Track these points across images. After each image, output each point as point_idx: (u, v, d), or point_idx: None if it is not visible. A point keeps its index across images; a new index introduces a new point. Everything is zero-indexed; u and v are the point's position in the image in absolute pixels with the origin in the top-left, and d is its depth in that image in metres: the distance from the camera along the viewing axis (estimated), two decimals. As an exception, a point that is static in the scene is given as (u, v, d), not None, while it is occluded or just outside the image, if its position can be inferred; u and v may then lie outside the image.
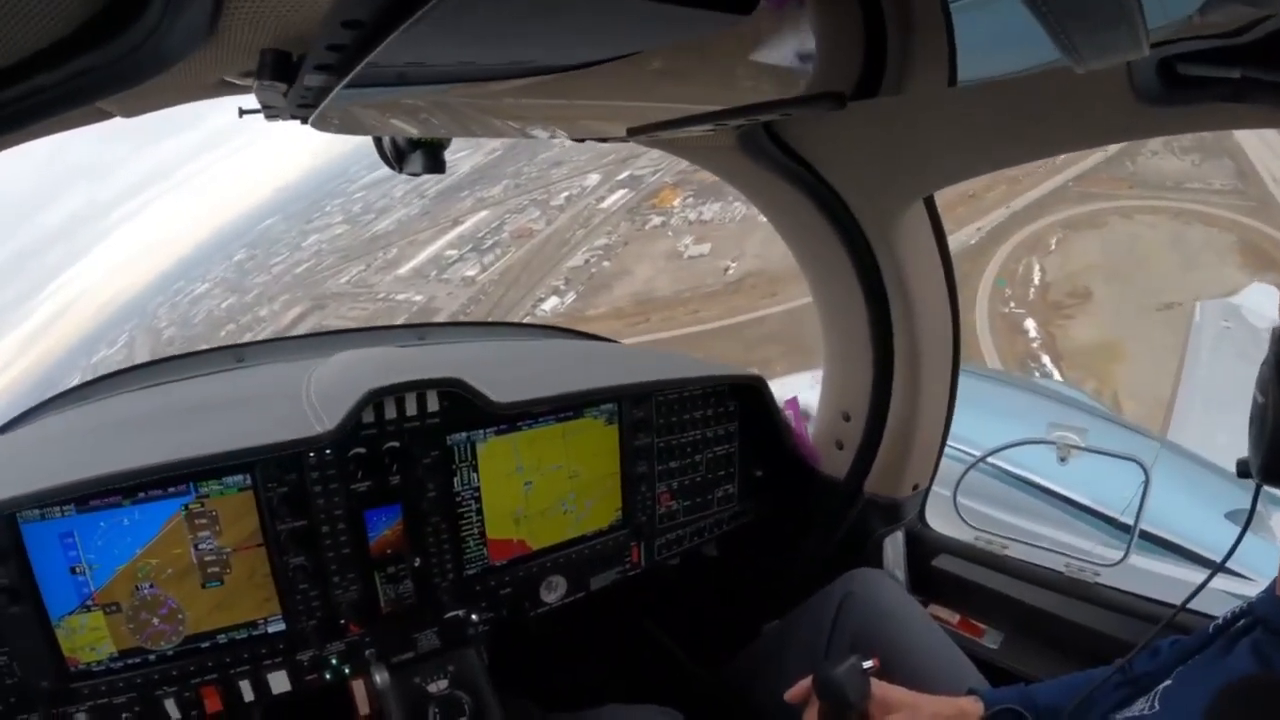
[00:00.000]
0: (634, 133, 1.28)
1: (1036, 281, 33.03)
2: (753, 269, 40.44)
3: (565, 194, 69.60)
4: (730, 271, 42.92)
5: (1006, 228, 36.48)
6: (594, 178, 71.53)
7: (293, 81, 0.90)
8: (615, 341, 3.11)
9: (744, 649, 2.31)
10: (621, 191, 64.50)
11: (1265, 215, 34.35)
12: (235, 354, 2.67)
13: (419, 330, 2.96)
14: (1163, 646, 1.50)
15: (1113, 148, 40.52)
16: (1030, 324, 29.56)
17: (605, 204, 63.20)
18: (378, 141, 1.58)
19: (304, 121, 1.18)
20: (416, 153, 1.54)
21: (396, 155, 1.56)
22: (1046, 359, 27.27)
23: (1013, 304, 31.32)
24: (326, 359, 2.17)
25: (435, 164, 1.56)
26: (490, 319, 31.39)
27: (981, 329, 28.64)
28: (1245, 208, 35.52)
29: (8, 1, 0.58)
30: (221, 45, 0.83)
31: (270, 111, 1.15)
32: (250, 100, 1.19)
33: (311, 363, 2.20)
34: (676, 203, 56.04)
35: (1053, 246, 35.65)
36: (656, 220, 53.88)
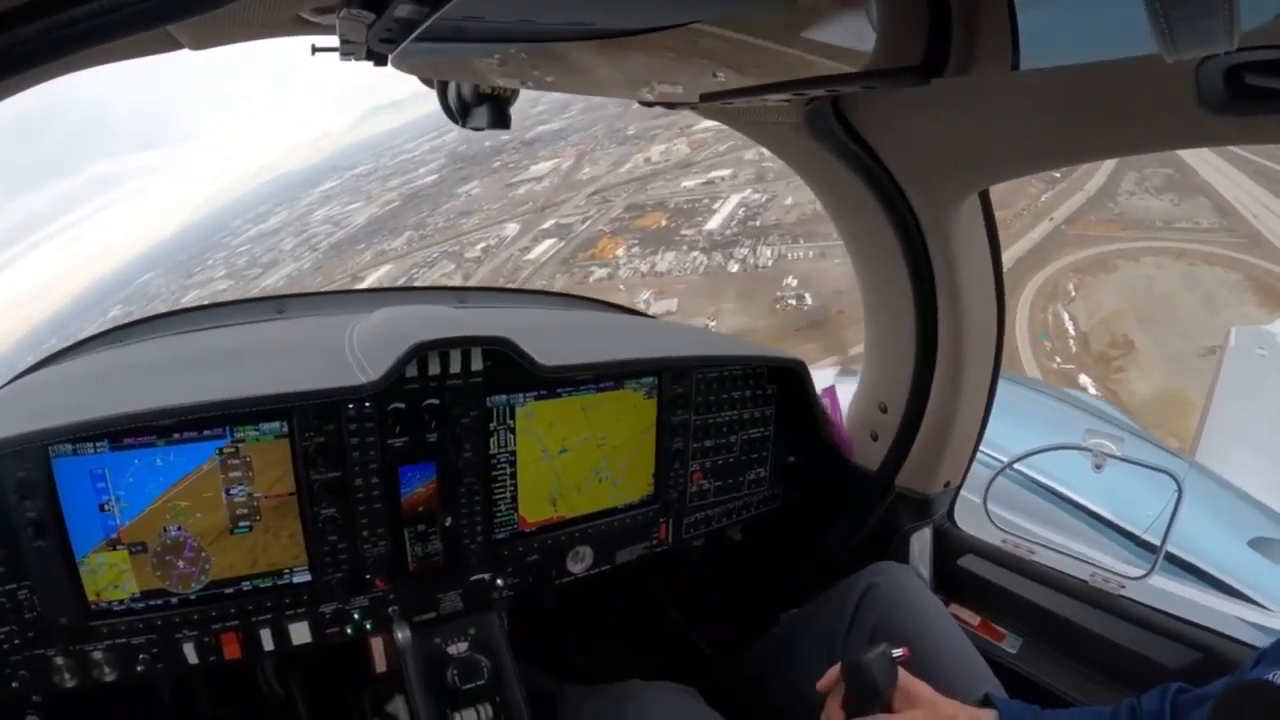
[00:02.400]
0: (706, 99, 1.27)
1: (1073, 332, 32.92)
2: (739, 327, 39.03)
3: (481, 245, 67.71)
4: (709, 333, 42.78)
5: (1018, 274, 36.36)
6: (512, 227, 69.64)
7: (381, 11, 0.88)
8: (654, 317, 3.12)
9: (763, 635, 2.31)
10: (549, 241, 62.44)
11: (1261, 251, 34.80)
12: (276, 305, 2.68)
13: (459, 293, 2.97)
14: (1170, 689, 1.47)
15: (1093, 188, 40.60)
16: (1086, 380, 29.14)
17: (533, 255, 61.19)
18: (442, 93, 1.56)
19: (378, 63, 1.17)
20: (483, 106, 1.52)
21: (461, 109, 1.55)
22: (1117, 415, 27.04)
23: (1059, 359, 31.09)
24: (368, 314, 2.17)
25: (501, 118, 1.54)
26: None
27: (1040, 390, 28.37)
28: (1238, 244, 36.01)
29: None
30: None
31: (347, 48, 1.13)
32: (324, 39, 1.19)
33: (353, 317, 2.20)
34: (620, 253, 54.19)
35: (1073, 293, 35.62)
36: (601, 273, 51.63)
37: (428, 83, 1.57)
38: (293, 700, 2.45)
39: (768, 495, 2.56)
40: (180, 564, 1.74)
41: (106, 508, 1.65)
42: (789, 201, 52.39)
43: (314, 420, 1.79)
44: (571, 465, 2.16)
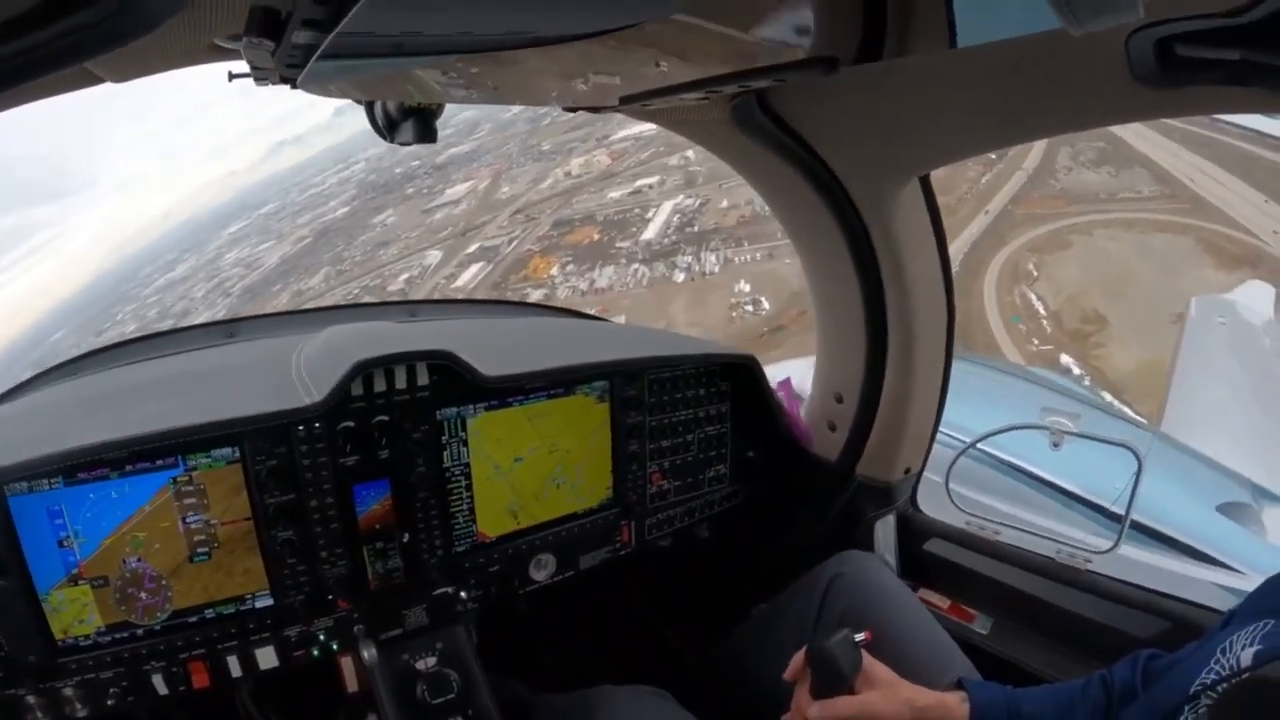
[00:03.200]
0: (626, 101, 1.27)
1: (1043, 312, 33.20)
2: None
3: (404, 276, 66.30)
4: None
5: (979, 258, 36.75)
6: (434, 254, 68.28)
7: (280, 39, 0.89)
8: (607, 320, 3.12)
9: (733, 630, 2.31)
10: (476, 266, 61.21)
11: (1205, 214, 35.33)
12: (226, 329, 2.65)
13: (410, 307, 2.96)
14: (1140, 657, 1.49)
15: (1030, 166, 41.63)
16: (1068, 360, 29.25)
17: (460, 281, 59.55)
18: (369, 109, 1.57)
19: (294, 85, 1.16)
20: (408, 121, 1.53)
21: (388, 124, 1.55)
22: (1108, 395, 25.90)
23: (1036, 340, 31.27)
24: (317, 333, 2.16)
25: (427, 133, 1.55)
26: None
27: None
28: (1183, 210, 36.56)
29: None
30: (212, 3, 0.83)
31: (260, 74, 1.15)
32: (240, 65, 1.20)
33: (302, 337, 2.19)
34: (555, 271, 53.25)
35: (1034, 273, 35.96)
36: (537, 294, 50.13)
37: (358, 100, 1.56)
38: None
39: (729, 492, 2.56)
40: (143, 595, 1.74)
41: (66, 543, 1.64)
42: (724, 204, 52.01)
43: (265, 444, 1.79)
44: (527, 474, 2.15)
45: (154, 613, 1.75)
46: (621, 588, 2.84)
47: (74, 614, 1.68)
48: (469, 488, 2.07)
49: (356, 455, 1.88)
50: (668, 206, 57.22)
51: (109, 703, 1.72)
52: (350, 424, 1.86)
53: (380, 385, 1.89)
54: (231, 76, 1.28)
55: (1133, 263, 34.15)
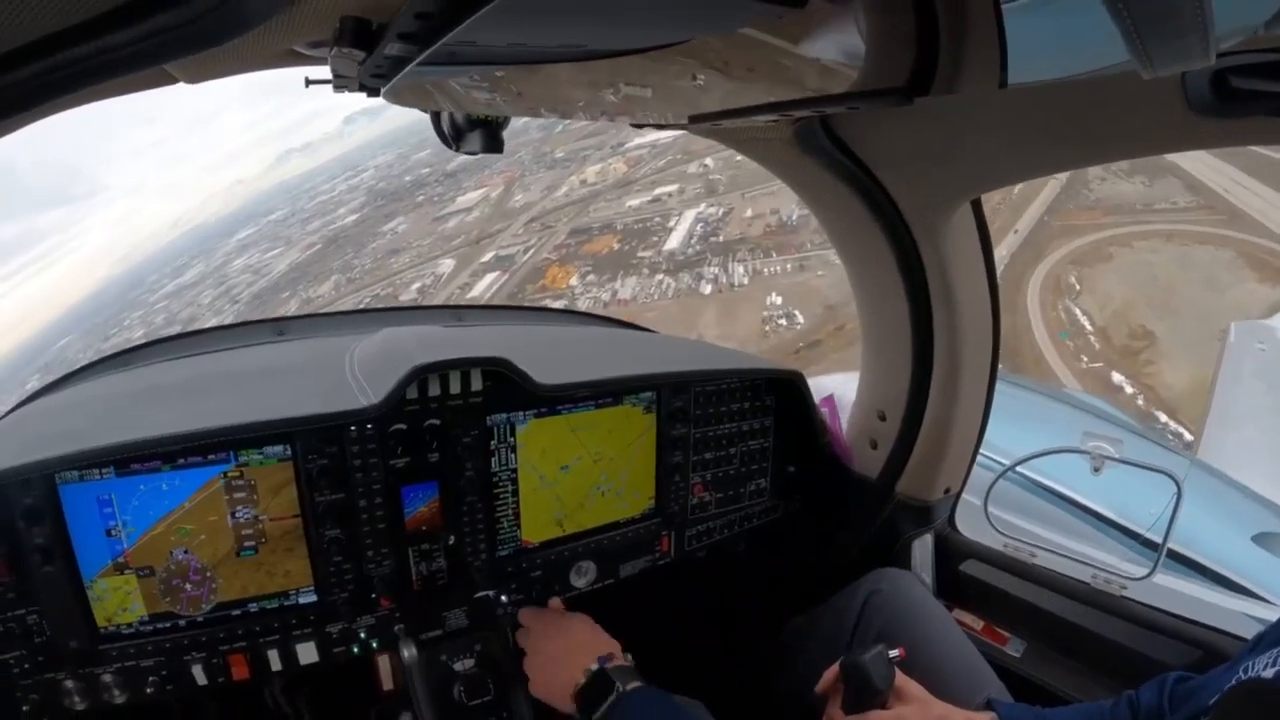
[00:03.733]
0: (696, 120, 1.29)
1: (1089, 327, 32.86)
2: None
3: (416, 285, 65.67)
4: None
5: (1017, 272, 36.29)
6: (447, 263, 67.50)
7: (372, 50, 0.91)
8: (653, 331, 3.12)
9: (767, 643, 2.32)
10: (492, 275, 60.52)
11: (1243, 225, 34.92)
12: (276, 327, 2.69)
13: (457, 311, 2.98)
14: (1168, 679, 1.50)
15: (1063, 177, 41.67)
16: (1120, 378, 28.95)
17: (476, 291, 58.83)
18: (435, 119, 1.59)
19: (372, 93, 1.18)
20: (475, 131, 1.55)
21: (454, 134, 1.57)
22: (1163, 415, 25.84)
23: (1085, 358, 30.89)
24: (369, 335, 2.19)
25: (494, 143, 1.57)
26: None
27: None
28: (1220, 221, 36.15)
29: None
30: (300, 10, 0.83)
31: (340, 82, 1.16)
32: (316, 71, 1.21)
33: (353, 338, 2.22)
34: (574, 281, 52.45)
35: (1077, 287, 35.56)
36: (556, 305, 50.74)
37: (426, 110, 1.58)
38: (301, 719, 2.47)
39: (769, 505, 2.57)
40: (188, 587, 1.76)
41: (113, 532, 1.67)
42: (749, 213, 51.30)
43: (317, 443, 1.81)
44: (574, 482, 2.17)
45: (198, 604, 1.78)
46: (657, 597, 2.87)
47: (118, 602, 1.71)
48: (515, 493, 2.09)
49: (407, 457, 1.91)
50: (690, 215, 56.52)
51: (148, 690, 1.75)
52: (402, 426, 1.88)
53: (434, 389, 1.91)
54: (309, 83, 1.29)
55: (1176, 276, 33.75)
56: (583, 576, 2.24)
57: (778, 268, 46.27)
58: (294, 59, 1.17)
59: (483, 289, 59.73)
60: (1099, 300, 34.46)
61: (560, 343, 2.63)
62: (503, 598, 2.07)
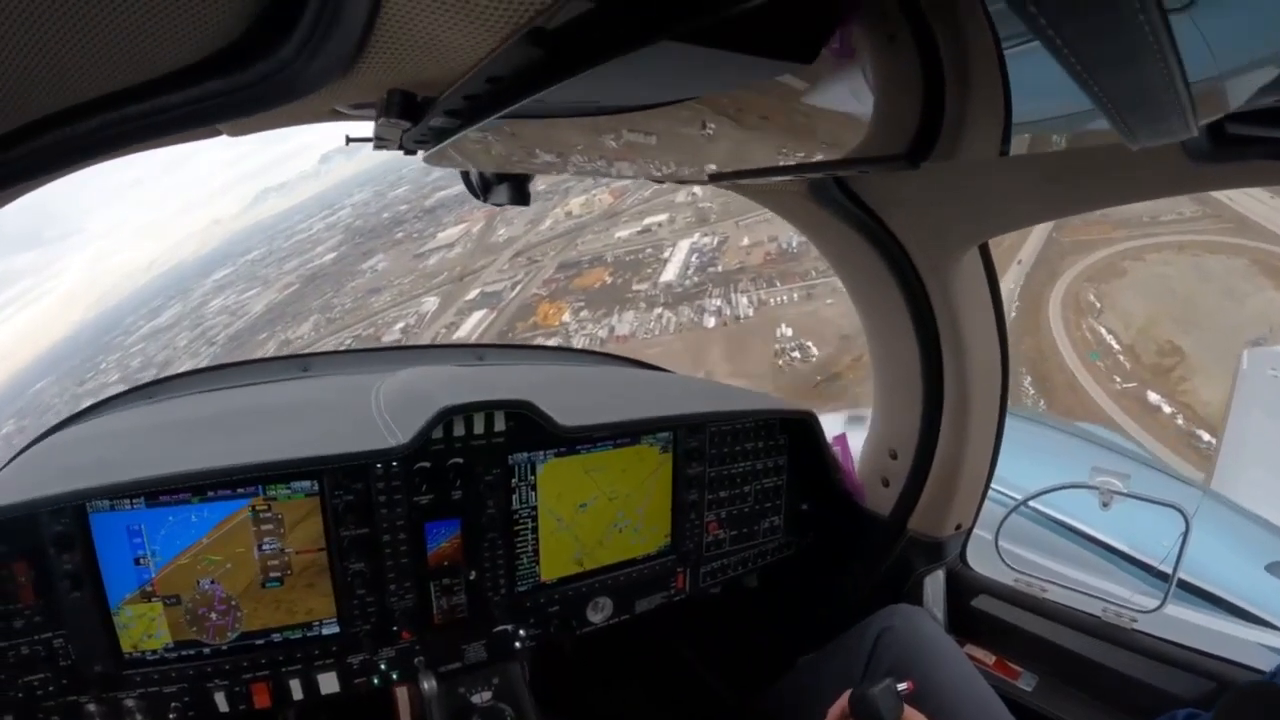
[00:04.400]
0: (716, 178, 1.34)
1: (1117, 346, 32.49)
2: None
3: (399, 325, 64.25)
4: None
5: (1034, 291, 35.95)
6: (430, 301, 65.84)
7: (417, 121, 0.97)
8: (670, 371, 3.17)
9: (779, 679, 2.33)
10: (480, 313, 59.08)
11: (1252, 233, 34.56)
12: (301, 363, 2.75)
13: (477, 351, 3.04)
14: (1179, 715, 1.52)
15: None
16: (1155, 397, 28.51)
17: (463, 330, 57.21)
18: (464, 175, 1.66)
19: (410, 153, 1.26)
20: (503, 185, 1.61)
21: (483, 186, 1.64)
22: (1205, 434, 25.15)
23: (1118, 378, 30.51)
24: (392, 373, 2.25)
25: (521, 195, 1.62)
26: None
27: (1123, 422, 26.67)
28: (1229, 229, 35.79)
29: (146, 25, 0.60)
30: (349, 83, 0.87)
31: (381, 143, 1.23)
32: (357, 129, 1.29)
33: (377, 376, 2.28)
34: (567, 317, 50.79)
35: (1097, 305, 35.24)
36: (550, 344, 49.05)
37: (461, 167, 1.64)
38: None
39: (782, 543, 2.61)
40: (213, 616, 1.80)
41: (142, 561, 1.71)
42: (745, 242, 50.04)
43: (344, 480, 1.86)
44: (592, 521, 2.22)
45: (223, 633, 1.82)
46: (671, 633, 2.88)
47: (143, 629, 1.74)
48: (534, 530, 2.13)
49: (431, 494, 1.96)
50: (685, 245, 54.87)
51: (170, 716, 1.78)
52: (426, 464, 1.93)
53: (459, 429, 1.97)
54: (349, 140, 1.36)
55: (1194, 288, 33.39)
56: (599, 612, 2.28)
57: (783, 297, 45.19)
58: (337, 116, 1.22)
59: (470, 328, 58.14)
60: (1121, 317, 34.21)
61: (579, 383, 2.69)
62: (521, 631, 2.11)
